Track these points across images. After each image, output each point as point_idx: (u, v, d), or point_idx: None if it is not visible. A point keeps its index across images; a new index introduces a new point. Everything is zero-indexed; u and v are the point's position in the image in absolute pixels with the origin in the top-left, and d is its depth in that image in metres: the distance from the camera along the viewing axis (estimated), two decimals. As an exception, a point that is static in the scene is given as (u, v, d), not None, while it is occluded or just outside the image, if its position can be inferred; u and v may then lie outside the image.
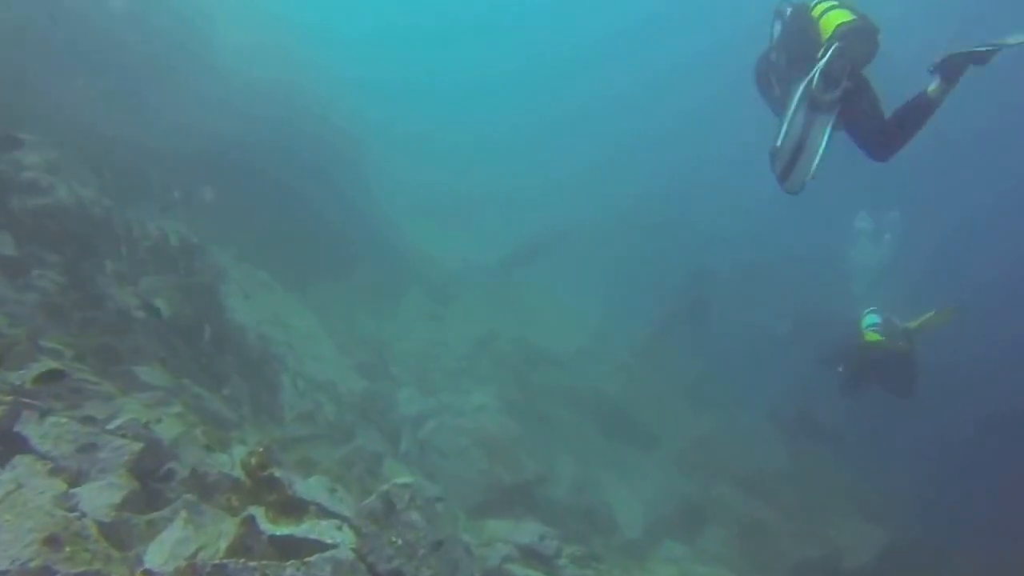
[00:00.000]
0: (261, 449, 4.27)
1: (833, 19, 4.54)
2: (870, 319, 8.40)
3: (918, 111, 4.40)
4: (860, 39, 4.46)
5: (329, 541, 4.15)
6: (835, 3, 4.66)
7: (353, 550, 4.20)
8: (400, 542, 4.61)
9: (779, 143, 4.53)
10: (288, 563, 3.58)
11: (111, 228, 7.85)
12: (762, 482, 12.34)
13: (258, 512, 4.12)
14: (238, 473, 4.57)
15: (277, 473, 4.23)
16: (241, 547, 3.65)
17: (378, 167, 18.00)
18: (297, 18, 17.07)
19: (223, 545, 3.66)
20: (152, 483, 4.38)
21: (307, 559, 3.59)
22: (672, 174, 24.22)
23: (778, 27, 5.15)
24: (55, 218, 7.61)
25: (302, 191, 14.04)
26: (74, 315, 6.95)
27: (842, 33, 4.43)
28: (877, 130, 4.61)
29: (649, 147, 25.96)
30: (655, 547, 10.11)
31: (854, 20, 4.49)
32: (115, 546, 3.37)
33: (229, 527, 3.80)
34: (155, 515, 3.78)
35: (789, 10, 5.02)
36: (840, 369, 8.54)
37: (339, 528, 4.39)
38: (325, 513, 4.52)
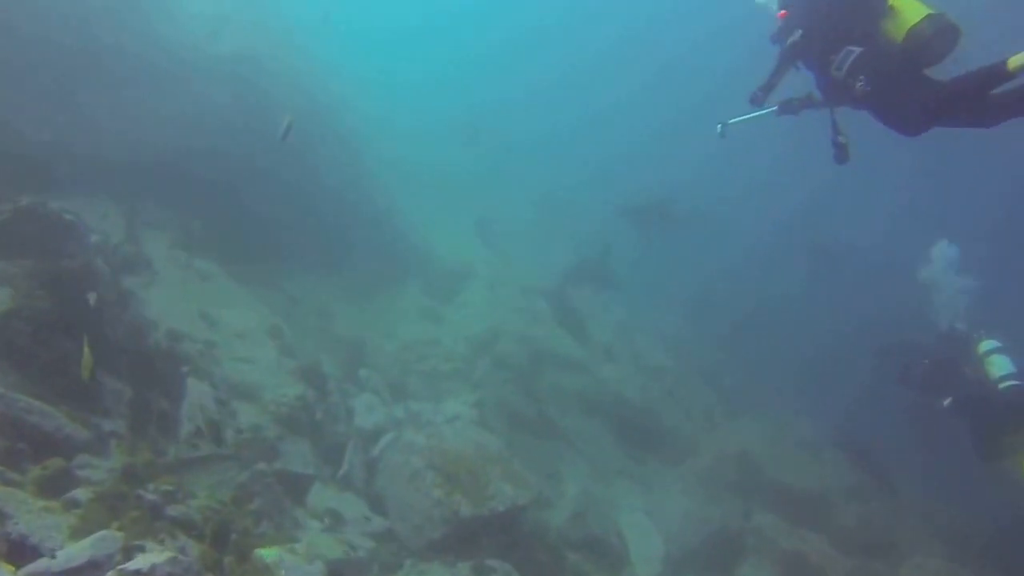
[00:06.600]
0: None
1: None
2: (1003, 362, 6.91)
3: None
4: None
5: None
6: None
7: None
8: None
9: None
10: None
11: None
12: (815, 507, 10.02)
13: None
14: None
15: None
16: None
17: (374, 151, 16.37)
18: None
19: None
20: None
21: None
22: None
23: None
24: None
25: (276, 177, 12.50)
26: None
27: None
28: None
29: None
30: (673, 593, 8.01)
31: None
32: None
33: None
34: None
35: None
36: (947, 403, 7.12)
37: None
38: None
